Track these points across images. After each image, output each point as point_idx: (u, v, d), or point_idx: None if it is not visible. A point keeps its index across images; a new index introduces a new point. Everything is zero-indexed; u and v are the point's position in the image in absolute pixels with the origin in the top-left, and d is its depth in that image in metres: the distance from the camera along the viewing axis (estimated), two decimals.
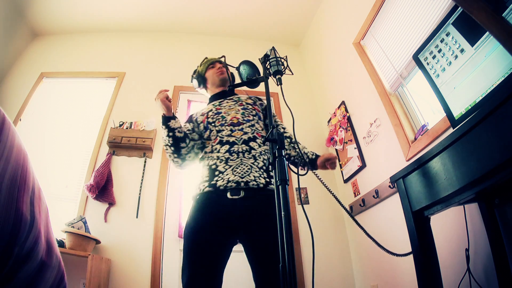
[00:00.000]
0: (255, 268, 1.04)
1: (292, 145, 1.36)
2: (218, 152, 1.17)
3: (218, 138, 1.20)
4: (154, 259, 2.02)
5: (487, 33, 1.00)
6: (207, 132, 1.25)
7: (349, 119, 2.39)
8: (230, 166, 1.12)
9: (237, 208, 1.06)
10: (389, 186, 1.80)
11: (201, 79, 1.47)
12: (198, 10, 3.08)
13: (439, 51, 1.23)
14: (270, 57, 1.05)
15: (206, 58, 1.53)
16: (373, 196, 1.98)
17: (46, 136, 2.55)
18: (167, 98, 1.17)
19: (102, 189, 2.18)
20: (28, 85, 2.74)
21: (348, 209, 2.34)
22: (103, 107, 2.69)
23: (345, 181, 2.41)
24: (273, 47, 1.09)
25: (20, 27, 2.89)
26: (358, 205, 2.17)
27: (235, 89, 1.32)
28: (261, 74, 1.09)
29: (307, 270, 2.15)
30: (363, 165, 2.16)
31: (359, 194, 2.20)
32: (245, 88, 1.22)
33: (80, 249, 1.77)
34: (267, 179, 1.14)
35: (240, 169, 1.11)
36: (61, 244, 1.82)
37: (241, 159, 1.13)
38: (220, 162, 1.14)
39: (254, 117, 1.30)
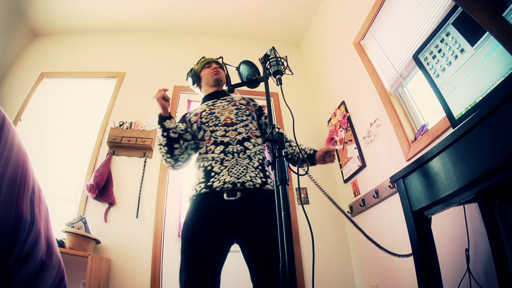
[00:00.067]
0: (252, 269, 1.04)
1: (288, 143, 1.35)
2: (213, 153, 1.16)
3: (212, 139, 1.19)
4: (154, 259, 2.02)
5: (487, 33, 1.00)
6: (201, 132, 1.24)
7: (349, 119, 2.39)
8: (226, 166, 1.11)
9: (234, 210, 1.06)
10: (389, 186, 1.80)
11: (196, 78, 1.46)
12: (198, 10, 3.08)
13: (439, 51, 1.23)
14: (270, 57, 1.05)
15: (204, 57, 1.52)
16: (373, 196, 1.98)
17: (46, 136, 2.55)
18: (164, 97, 1.17)
19: (102, 189, 2.18)
20: (28, 85, 2.74)
21: (348, 209, 2.34)
22: (103, 107, 2.69)
23: (345, 181, 2.41)
24: (273, 47, 1.09)
25: (20, 27, 2.89)
26: (358, 205, 2.17)
27: (235, 89, 1.31)
28: (261, 74, 1.09)
29: (307, 270, 2.15)
30: (363, 165, 2.16)
31: (359, 194, 2.20)
32: (245, 88, 1.22)
33: (80, 249, 1.77)
34: (263, 179, 1.14)
35: (235, 170, 1.10)
36: (61, 244, 1.82)
37: (236, 160, 1.13)
38: (216, 163, 1.13)
39: (248, 117, 1.29)
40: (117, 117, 2.56)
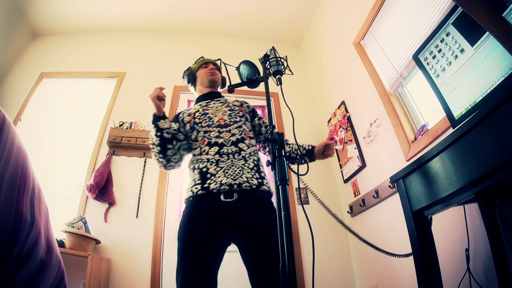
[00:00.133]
0: (251, 269, 1.04)
1: (285, 141, 1.35)
2: (207, 154, 1.15)
3: (206, 140, 1.19)
4: (154, 259, 2.03)
5: (487, 33, 1.00)
6: (194, 133, 1.23)
7: (349, 119, 2.39)
8: (222, 167, 1.11)
9: (231, 211, 1.06)
10: (389, 186, 1.80)
11: (192, 77, 1.46)
12: (198, 10, 3.08)
13: (439, 51, 1.23)
14: (270, 57, 1.05)
15: (202, 57, 1.52)
16: (373, 196, 1.98)
17: (46, 136, 2.55)
18: (159, 97, 1.16)
19: (102, 189, 2.18)
20: (28, 85, 2.74)
21: (348, 209, 2.34)
22: (103, 107, 2.69)
23: (345, 181, 2.41)
24: (273, 47, 1.09)
25: (20, 27, 2.89)
26: (358, 205, 2.17)
27: (235, 89, 1.31)
28: (261, 74, 1.09)
29: (307, 270, 2.15)
30: (363, 165, 2.16)
31: (359, 194, 2.20)
32: (245, 88, 1.22)
33: (80, 249, 1.77)
34: (259, 180, 1.14)
35: (231, 171, 1.10)
36: (61, 244, 1.82)
37: (231, 161, 1.13)
38: (211, 165, 1.12)
39: (241, 118, 1.29)
40: (117, 117, 2.56)
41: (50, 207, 0.49)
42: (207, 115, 1.27)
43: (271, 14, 3.13)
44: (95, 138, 2.50)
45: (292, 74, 1.17)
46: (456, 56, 1.15)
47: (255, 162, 1.19)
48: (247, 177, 1.11)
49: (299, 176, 0.86)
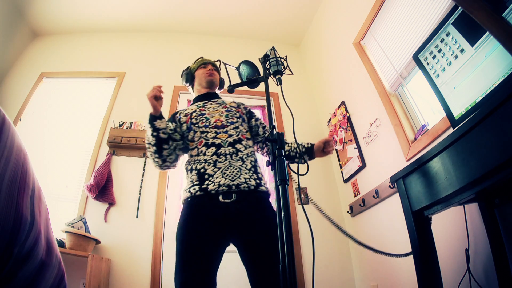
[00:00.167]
0: (250, 269, 1.04)
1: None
2: (205, 155, 1.15)
3: (203, 140, 1.19)
4: (154, 259, 2.03)
5: (487, 33, 1.00)
6: (191, 133, 1.23)
7: (349, 119, 2.39)
8: (219, 168, 1.11)
9: (230, 211, 1.06)
10: (389, 186, 1.80)
11: (190, 76, 1.46)
12: (199, 10, 3.08)
13: (439, 51, 1.23)
14: (270, 57, 1.05)
15: (201, 57, 1.52)
16: (373, 196, 1.98)
17: (46, 136, 2.55)
18: (157, 96, 1.15)
19: (102, 189, 2.18)
20: (28, 85, 2.74)
21: (348, 209, 2.34)
22: (103, 107, 2.69)
23: (345, 181, 2.41)
24: (273, 47, 1.09)
25: (20, 27, 2.89)
26: (358, 205, 2.17)
27: (235, 89, 1.31)
28: (261, 74, 1.09)
29: (307, 270, 2.15)
30: (363, 165, 2.16)
31: (359, 194, 2.21)
32: (245, 88, 1.22)
33: (80, 249, 1.77)
34: (257, 181, 1.14)
35: (229, 172, 1.10)
36: (61, 244, 1.82)
37: (229, 161, 1.12)
38: (209, 165, 1.12)
39: (238, 119, 1.29)
40: (117, 117, 2.56)
41: (50, 207, 0.49)
42: (204, 116, 1.27)
43: (271, 14, 3.13)
44: (95, 138, 2.50)
45: (292, 74, 1.17)
46: (456, 56, 1.15)
47: (253, 163, 1.19)
48: (245, 178, 1.11)
49: (299, 176, 0.85)
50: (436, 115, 1.64)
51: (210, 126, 1.22)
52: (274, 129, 0.88)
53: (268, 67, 1.04)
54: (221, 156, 1.13)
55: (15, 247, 0.36)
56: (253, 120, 1.38)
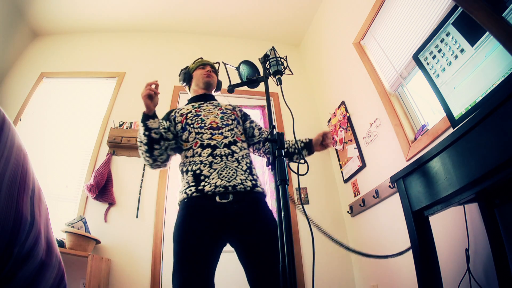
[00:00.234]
0: (248, 270, 1.04)
1: None
2: (200, 156, 1.15)
3: (199, 142, 1.18)
4: (154, 259, 2.03)
5: (487, 33, 1.00)
6: (185, 133, 1.23)
7: (349, 119, 2.39)
8: (215, 169, 1.11)
9: (227, 212, 1.06)
10: (389, 186, 1.80)
11: (188, 76, 1.46)
12: (199, 10, 3.08)
13: (439, 51, 1.23)
14: (270, 57, 1.05)
15: (201, 58, 1.52)
16: (373, 196, 1.98)
17: (46, 136, 2.55)
18: (150, 95, 1.15)
19: (102, 189, 2.18)
20: (28, 85, 2.74)
21: (348, 209, 2.34)
22: (103, 107, 2.69)
23: (345, 181, 2.41)
24: (273, 47, 1.09)
25: (20, 27, 2.89)
26: (358, 205, 2.17)
27: (235, 89, 1.31)
28: (261, 74, 1.09)
29: (307, 270, 2.15)
30: (363, 165, 2.16)
31: (359, 194, 2.21)
32: (245, 88, 1.22)
33: (80, 249, 1.77)
34: (253, 182, 1.15)
35: (225, 173, 1.10)
36: (61, 244, 1.82)
37: (225, 162, 1.12)
38: (204, 166, 1.12)
39: (233, 122, 1.29)
40: (117, 117, 2.56)
41: (50, 207, 0.49)
42: (200, 117, 1.27)
43: (271, 14, 3.13)
44: (95, 138, 2.50)
45: (292, 74, 1.17)
46: (456, 56, 1.15)
47: (248, 164, 1.19)
48: (241, 179, 1.11)
49: (300, 175, 0.85)
50: (436, 115, 1.64)
51: (205, 128, 1.22)
52: (274, 129, 0.88)
53: (268, 67, 1.04)
54: (216, 157, 1.13)
55: (15, 247, 0.36)
56: (247, 122, 1.39)
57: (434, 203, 0.96)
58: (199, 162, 1.13)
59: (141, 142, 1.17)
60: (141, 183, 2.30)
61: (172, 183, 2.39)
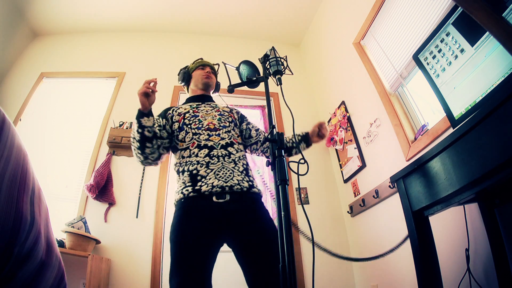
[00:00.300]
0: (246, 269, 1.04)
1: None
2: (197, 156, 1.15)
3: (196, 142, 1.18)
4: (154, 259, 2.03)
5: (487, 33, 1.00)
6: (182, 133, 1.23)
7: (349, 119, 2.40)
8: (212, 170, 1.11)
9: (224, 212, 1.06)
10: (389, 186, 1.80)
11: (187, 76, 1.46)
12: (198, 10, 3.08)
13: (439, 51, 1.23)
14: (270, 57, 1.05)
15: (201, 59, 1.52)
16: (373, 196, 1.98)
17: (46, 136, 2.55)
18: (147, 93, 1.15)
19: (102, 189, 2.18)
20: (28, 85, 2.74)
21: (348, 209, 2.34)
22: (103, 107, 2.69)
23: (345, 181, 2.41)
24: (273, 47, 1.09)
25: (20, 27, 2.89)
26: (358, 205, 2.17)
27: (235, 89, 1.31)
28: (261, 74, 1.09)
29: (307, 270, 2.15)
30: (363, 165, 2.16)
31: (359, 194, 2.21)
32: (245, 88, 1.22)
33: (80, 249, 1.77)
34: (250, 182, 1.15)
35: (222, 173, 1.10)
36: (61, 244, 1.82)
37: (222, 163, 1.13)
38: (201, 167, 1.12)
39: (230, 124, 1.30)
40: (117, 117, 2.56)
41: (50, 207, 0.49)
42: (197, 118, 1.27)
43: (271, 14, 3.13)
44: (95, 138, 2.50)
45: (292, 74, 1.17)
46: (456, 56, 1.15)
47: (245, 166, 1.20)
48: (238, 180, 1.12)
49: (300, 175, 0.85)
50: (436, 115, 1.64)
51: (202, 128, 1.23)
52: (274, 129, 0.88)
53: (268, 67, 1.04)
54: (213, 158, 1.14)
55: (15, 247, 0.36)
56: (244, 124, 1.40)
57: (434, 203, 0.96)
58: (196, 162, 1.13)
59: (134, 138, 1.17)
60: (141, 183, 2.30)
61: (172, 183, 2.39)
